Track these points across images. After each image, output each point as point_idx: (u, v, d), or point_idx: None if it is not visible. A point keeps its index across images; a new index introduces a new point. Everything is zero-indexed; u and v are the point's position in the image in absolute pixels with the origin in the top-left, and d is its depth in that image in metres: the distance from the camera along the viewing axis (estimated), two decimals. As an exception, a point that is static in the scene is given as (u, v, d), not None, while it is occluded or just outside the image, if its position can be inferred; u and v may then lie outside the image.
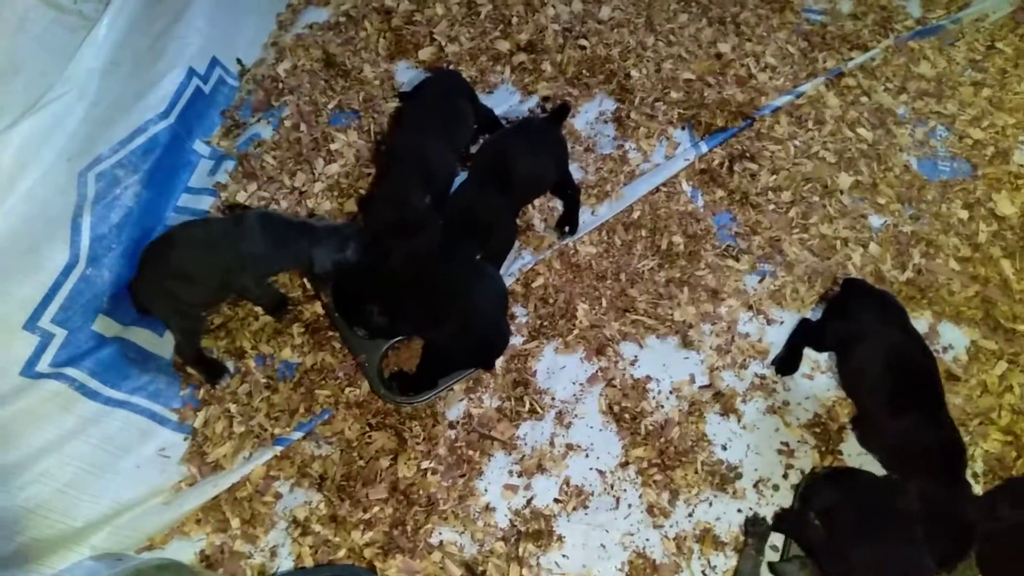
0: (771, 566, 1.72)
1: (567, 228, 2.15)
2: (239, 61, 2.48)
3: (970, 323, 2.02)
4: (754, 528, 1.76)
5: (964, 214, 2.18)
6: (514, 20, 2.52)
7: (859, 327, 1.78)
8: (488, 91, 2.41)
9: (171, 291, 1.87)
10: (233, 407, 1.93)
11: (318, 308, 2.05)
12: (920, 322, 2.02)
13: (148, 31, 2.17)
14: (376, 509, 1.81)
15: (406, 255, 1.90)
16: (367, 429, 1.90)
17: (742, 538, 1.77)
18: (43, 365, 1.82)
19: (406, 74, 2.46)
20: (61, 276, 1.88)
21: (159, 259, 1.88)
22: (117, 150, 2.02)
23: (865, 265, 2.11)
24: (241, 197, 2.21)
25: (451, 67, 2.42)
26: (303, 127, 2.33)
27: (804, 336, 1.95)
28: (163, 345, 2.02)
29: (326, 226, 1.96)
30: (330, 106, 2.39)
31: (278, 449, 1.88)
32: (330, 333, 2.02)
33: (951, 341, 2.01)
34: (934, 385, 1.72)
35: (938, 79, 2.44)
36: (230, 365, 2.00)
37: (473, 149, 2.22)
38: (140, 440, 1.88)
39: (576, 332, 2.04)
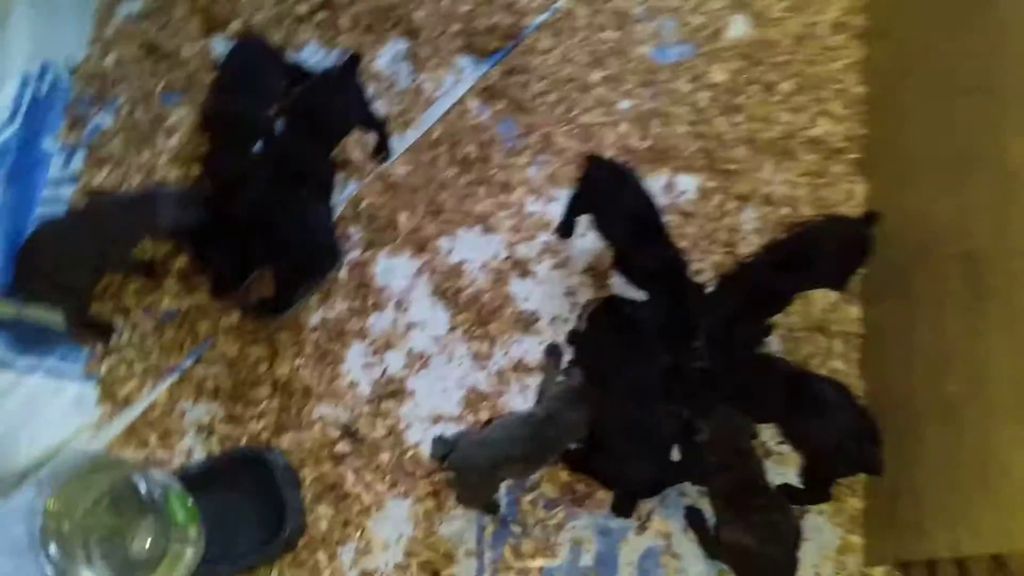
0: (566, 370, 2.31)
1: (381, 155, 2.61)
2: (68, 61, 2.77)
3: (697, 171, 2.62)
4: (551, 353, 2.35)
5: (689, 87, 2.76)
6: (307, -16, 2.89)
7: (602, 195, 2.33)
8: (296, 50, 2.80)
9: (50, 283, 2.23)
10: (130, 352, 2.36)
11: (184, 260, 2.46)
12: (660, 177, 2.61)
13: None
14: (264, 403, 2.30)
15: (244, 203, 2.32)
16: (244, 345, 2.37)
17: (544, 361, 2.36)
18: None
19: (222, 46, 2.80)
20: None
21: (31, 261, 2.23)
22: (-26, 159, 2.35)
23: (617, 141, 2.67)
24: (97, 181, 2.56)
25: (260, 34, 2.78)
26: (139, 111, 2.68)
27: (573, 205, 2.50)
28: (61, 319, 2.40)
29: (165, 190, 2.35)
30: (159, 88, 2.74)
31: (175, 376, 2.32)
32: (198, 278, 2.44)
33: (684, 187, 2.60)
34: (659, 225, 2.28)
35: (663, -21, 2.98)
36: (120, 322, 2.41)
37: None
38: (57, 395, 2.29)
39: (401, 237, 2.54)
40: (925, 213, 2.17)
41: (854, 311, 2.42)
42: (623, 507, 2.13)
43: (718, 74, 2.77)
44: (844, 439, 1.97)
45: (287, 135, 2.43)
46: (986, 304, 1.78)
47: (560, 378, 2.29)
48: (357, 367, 2.36)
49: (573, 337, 2.33)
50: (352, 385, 2.34)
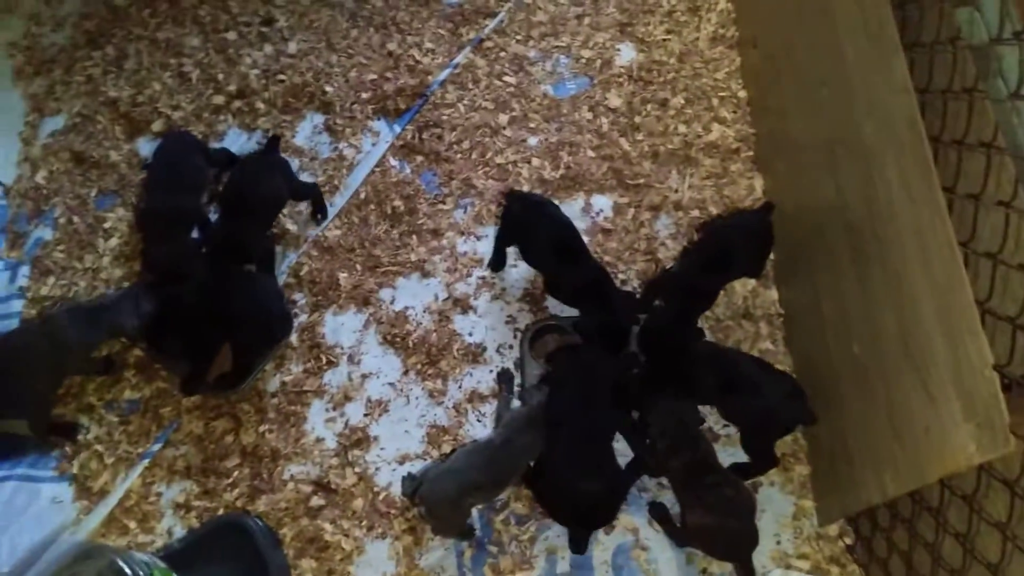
0: (519, 393, 2.46)
1: (319, 216, 2.77)
2: (0, 183, 2.89)
3: (609, 190, 2.83)
4: (502, 377, 2.50)
5: (590, 115, 2.98)
6: (220, 76, 3.06)
7: (522, 226, 2.51)
8: (219, 139, 2.96)
9: (14, 397, 2.32)
10: (99, 447, 2.44)
11: (139, 351, 2.56)
12: (577, 201, 2.81)
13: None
14: (235, 473, 2.39)
15: (191, 290, 2.44)
16: (209, 421, 2.47)
17: (497, 387, 2.50)
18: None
19: (148, 147, 2.95)
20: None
21: None
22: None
23: (532, 175, 2.87)
24: (44, 291, 2.67)
25: (182, 129, 2.94)
26: (76, 219, 2.80)
27: (499, 240, 2.67)
28: (26, 427, 2.48)
29: (117, 294, 2.45)
30: (92, 194, 2.86)
31: (146, 462, 2.41)
32: (156, 366, 2.55)
33: (600, 207, 2.80)
34: (578, 245, 2.46)
35: (552, 21, 3.22)
36: (85, 419, 2.49)
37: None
38: (33, 498, 2.36)
39: (344, 295, 2.68)
40: (813, 196, 2.39)
41: (772, 294, 2.63)
42: (576, 544, 2.15)
43: (614, 99, 3.00)
44: (774, 402, 2.14)
45: (225, 219, 2.57)
46: (868, 269, 1.99)
47: (515, 402, 2.43)
48: (320, 423, 2.48)
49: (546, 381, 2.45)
50: (318, 441, 2.45)
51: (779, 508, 2.33)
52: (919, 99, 1.79)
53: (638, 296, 2.56)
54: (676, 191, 2.81)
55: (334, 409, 2.50)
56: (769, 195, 2.74)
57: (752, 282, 2.64)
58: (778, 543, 2.28)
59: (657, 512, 2.30)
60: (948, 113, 1.82)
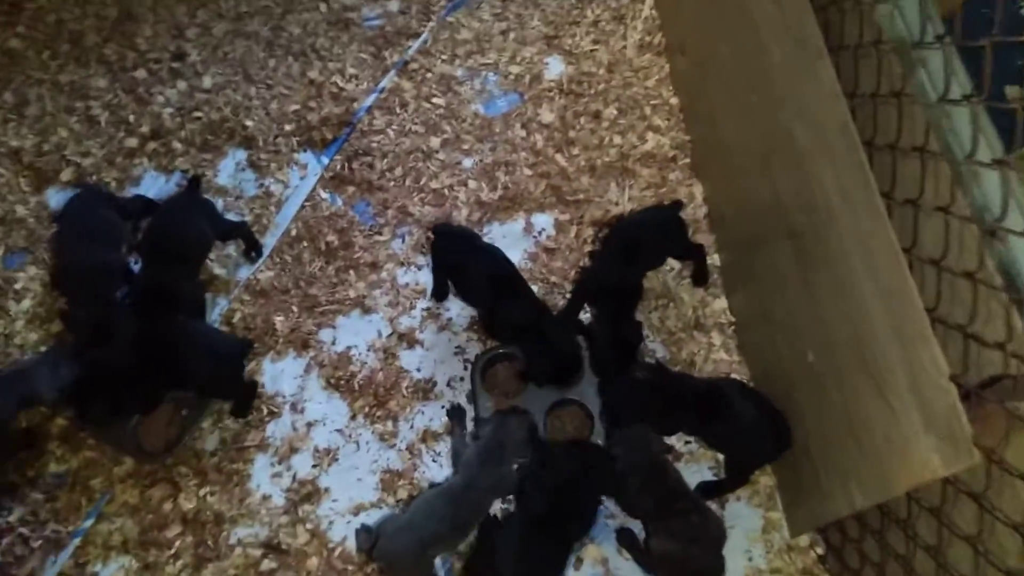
0: (473, 427, 2.37)
1: (253, 255, 2.63)
2: None
3: (549, 208, 2.77)
4: (453, 414, 2.40)
5: (523, 132, 2.91)
6: (131, 117, 2.89)
7: (451, 262, 2.42)
8: (135, 183, 2.79)
9: None
10: (24, 529, 2.25)
11: (63, 420, 2.38)
12: (518, 221, 2.74)
13: None
14: (177, 543, 2.24)
15: (122, 351, 2.26)
16: (144, 489, 2.30)
17: (449, 423, 2.41)
18: None
19: (57, 197, 2.76)
20: None
21: None
22: None
23: (469, 198, 2.78)
24: (-46, 363, 2.46)
25: (93, 177, 2.76)
26: (-18, 282, 2.60)
27: (435, 272, 2.57)
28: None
29: (33, 360, 2.28)
30: (0, 253, 2.66)
31: (77, 540, 2.23)
32: (81, 434, 2.37)
33: (542, 226, 2.73)
34: (512, 277, 2.37)
35: (477, 38, 3.14)
36: (7, 500, 2.30)
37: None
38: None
39: (282, 340, 2.55)
40: (752, 202, 2.37)
41: (722, 303, 2.60)
42: None
43: (547, 115, 2.94)
44: (759, 432, 2.10)
45: (148, 267, 2.40)
46: (815, 275, 1.96)
47: (468, 440, 2.34)
48: (265, 480, 2.34)
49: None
50: (265, 499, 2.31)
51: (748, 523, 2.29)
52: (849, 103, 1.77)
53: (567, 309, 2.48)
54: (616, 204, 2.76)
55: (280, 463, 2.37)
56: (709, 202, 2.72)
57: (700, 291, 2.61)
58: (750, 559, 2.24)
59: (625, 539, 2.24)
60: (879, 117, 1.80)
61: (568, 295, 2.55)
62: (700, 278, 2.60)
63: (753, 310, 2.43)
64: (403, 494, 2.31)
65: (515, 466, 2.16)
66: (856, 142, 1.71)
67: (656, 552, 2.08)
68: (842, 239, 1.79)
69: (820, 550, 2.22)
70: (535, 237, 2.71)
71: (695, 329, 2.56)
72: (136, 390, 2.23)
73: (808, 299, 2.01)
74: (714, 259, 2.64)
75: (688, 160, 2.84)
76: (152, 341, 2.25)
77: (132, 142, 2.85)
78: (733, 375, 2.45)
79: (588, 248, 2.68)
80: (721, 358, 2.51)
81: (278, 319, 2.57)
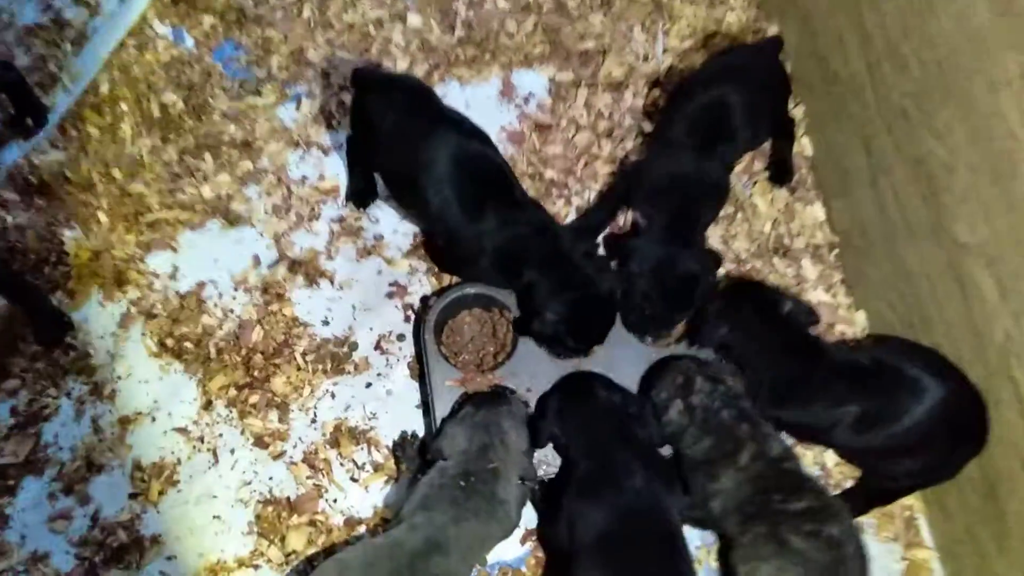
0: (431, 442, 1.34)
1: (32, 124, 1.58)
2: None
3: (541, 62, 1.73)
4: (403, 452, 1.35)
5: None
6: None
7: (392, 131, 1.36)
8: None
9: None
10: None
11: None
12: (493, 81, 1.71)
13: None
14: None
15: None
16: None
17: (386, 440, 1.37)
18: None
19: None
20: None
21: None
22: None
23: (410, 41, 1.71)
24: None
25: None
26: None
27: (353, 154, 1.50)
28: None
29: None
30: None
31: None
32: None
33: (530, 88, 1.71)
34: (505, 170, 1.36)
35: None
36: None
37: None
38: None
39: (85, 272, 1.46)
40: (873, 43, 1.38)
41: (815, 212, 1.64)
42: None
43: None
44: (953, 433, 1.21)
45: None
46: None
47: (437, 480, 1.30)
48: (42, 531, 1.27)
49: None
50: (36, 558, 1.25)
51: (877, 564, 1.37)
52: None
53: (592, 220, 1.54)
54: (646, 57, 1.73)
55: (64, 494, 1.30)
56: (797, 52, 1.71)
57: (784, 193, 1.63)
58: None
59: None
60: None
61: (575, 200, 1.53)
62: (782, 172, 1.63)
63: (870, 220, 1.47)
64: (295, 544, 1.29)
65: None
66: None
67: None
68: None
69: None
70: (519, 107, 1.69)
71: (775, 254, 1.60)
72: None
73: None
74: (802, 144, 1.66)
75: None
76: None
77: None
78: (839, 327, 1.51)
79: (603, 125, 1.65)
80: (822, 301, 1.55)
81: (70, 234, 1.45)
